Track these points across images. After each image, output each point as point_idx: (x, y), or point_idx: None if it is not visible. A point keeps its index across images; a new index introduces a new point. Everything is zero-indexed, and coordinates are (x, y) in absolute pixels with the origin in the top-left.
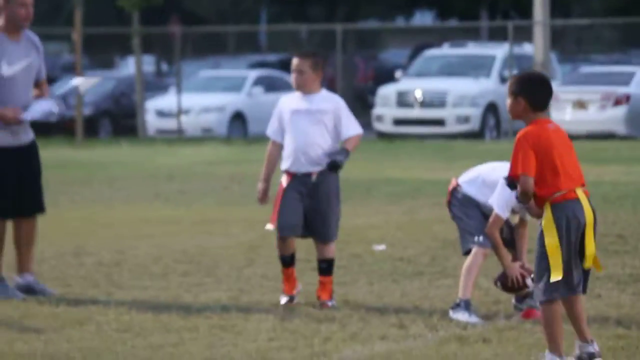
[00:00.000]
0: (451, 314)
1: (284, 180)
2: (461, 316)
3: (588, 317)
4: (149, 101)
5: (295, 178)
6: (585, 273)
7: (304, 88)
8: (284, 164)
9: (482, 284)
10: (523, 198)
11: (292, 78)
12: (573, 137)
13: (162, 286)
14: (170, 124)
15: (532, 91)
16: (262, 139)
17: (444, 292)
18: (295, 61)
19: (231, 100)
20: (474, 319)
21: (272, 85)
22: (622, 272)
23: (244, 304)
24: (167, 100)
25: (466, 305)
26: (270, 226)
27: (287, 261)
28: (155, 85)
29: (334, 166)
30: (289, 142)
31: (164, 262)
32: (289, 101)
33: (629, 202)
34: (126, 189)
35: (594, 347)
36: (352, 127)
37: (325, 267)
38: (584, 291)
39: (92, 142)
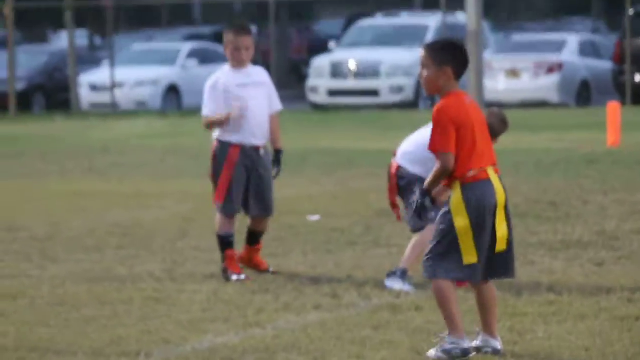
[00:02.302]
0: (386, 282)
1: (230, 154)
2: (396, 284)
3: (520, 284)
4: (82, 75)
5: (243, 151)
6: (500, 258)
7: (245, 64)
8: (231, 137)
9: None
10: (442, 176)
11: (234, 54)
12: (506, 106)
13: (96, 259)
14: (104, 97)
15: (459, 59)
16: (196, 111)
17: (377, 262)
18: (242, 38)
19: (165, 74)
20: (407, 287)
21: (206, 58)
22: (554, 239)
23: (177, 276)
24: (100, 74)
25: (402, 274)
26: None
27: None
28: (89, 59)
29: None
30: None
31: (97, 235)
32: (228, 76)
33: (560, 169)
34: (59, 163)
35: (498, 343)
36: (278, 101)
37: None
38: (503, 276)
39: (25, 116)
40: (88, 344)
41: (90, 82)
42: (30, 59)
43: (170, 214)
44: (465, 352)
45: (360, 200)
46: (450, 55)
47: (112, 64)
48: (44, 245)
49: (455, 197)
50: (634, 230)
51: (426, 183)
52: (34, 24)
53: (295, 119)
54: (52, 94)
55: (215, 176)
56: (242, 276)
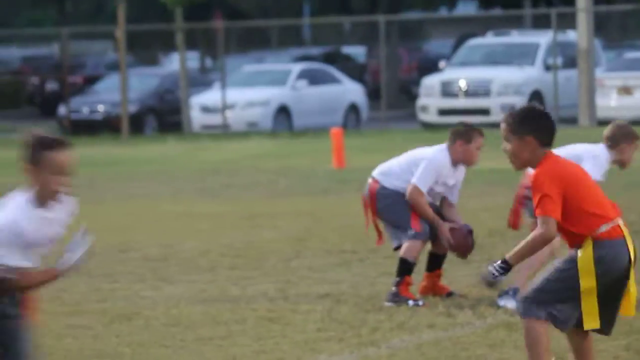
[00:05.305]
0: (499, 301)
1: None
2: (509, 303)
3: (637, 301)
4: (193, 97)
5: None
6: (613, 316)
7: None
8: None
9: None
10: (540, 246)
11: (472, 155)
12: None
13: (210, 280)
14: (215, 119)
15: (541, 126)
16: (307, 132)
17: None
18: (482, 141)
19: (276, 94)
20: None
21: (316, 78)
22: None
23: (291, 296)
24: (211, 96)
25: (515, 293)
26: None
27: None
28: (200, 81)
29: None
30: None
31: (210, 256)
32: (448, 170)
33: None
34: (172, 184)
35: None
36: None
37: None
38: (603, 333)
39: (137, 138)
40: None
41: (201, 104)
42: (142, 82)
43: (282, 234)
44: None
45: (473, 219)
46: (530, 124)
47: (223, 86)
48: (158, 266)
49: (586, 254)
50: None
51: (511, 255)
52: (146, 47)
53: (406, 138)
54: (164, 116)
55: (392, 213)
56: (420, 302)
